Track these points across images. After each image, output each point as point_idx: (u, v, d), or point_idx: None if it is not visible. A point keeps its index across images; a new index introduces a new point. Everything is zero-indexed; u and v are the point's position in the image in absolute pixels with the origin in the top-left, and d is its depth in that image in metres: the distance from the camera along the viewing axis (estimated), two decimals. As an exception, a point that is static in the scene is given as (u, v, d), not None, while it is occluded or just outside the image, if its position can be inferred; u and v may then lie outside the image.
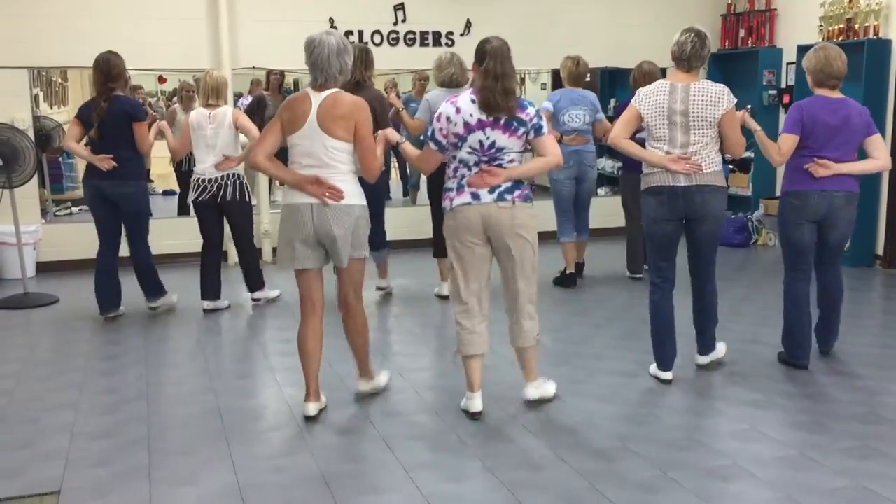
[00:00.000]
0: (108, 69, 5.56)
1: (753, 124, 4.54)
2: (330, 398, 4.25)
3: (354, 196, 3.86)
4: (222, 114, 5.84)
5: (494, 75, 3.71)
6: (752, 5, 8.63)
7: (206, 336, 5.50)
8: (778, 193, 8.22)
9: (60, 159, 9.87)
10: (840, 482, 3.31)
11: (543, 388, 4.17)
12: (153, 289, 5.97)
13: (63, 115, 11.18)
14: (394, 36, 8.04)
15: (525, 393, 4.14)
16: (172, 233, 7.59)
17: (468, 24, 8.15)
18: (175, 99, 11.34)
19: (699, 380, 4.49)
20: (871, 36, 7.18)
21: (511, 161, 3.82)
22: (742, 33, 8.70)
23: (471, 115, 3.75)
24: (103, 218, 5.75)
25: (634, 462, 3.52)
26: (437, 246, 6.05)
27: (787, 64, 8.28)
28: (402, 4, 8.01)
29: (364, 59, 5.75)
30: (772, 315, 5.72)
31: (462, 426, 3.92)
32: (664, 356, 4.41)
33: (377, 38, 7.99)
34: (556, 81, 11.57)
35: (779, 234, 4.73)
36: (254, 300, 6.22)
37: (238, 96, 9.18)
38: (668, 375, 4.41)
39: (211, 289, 6.05)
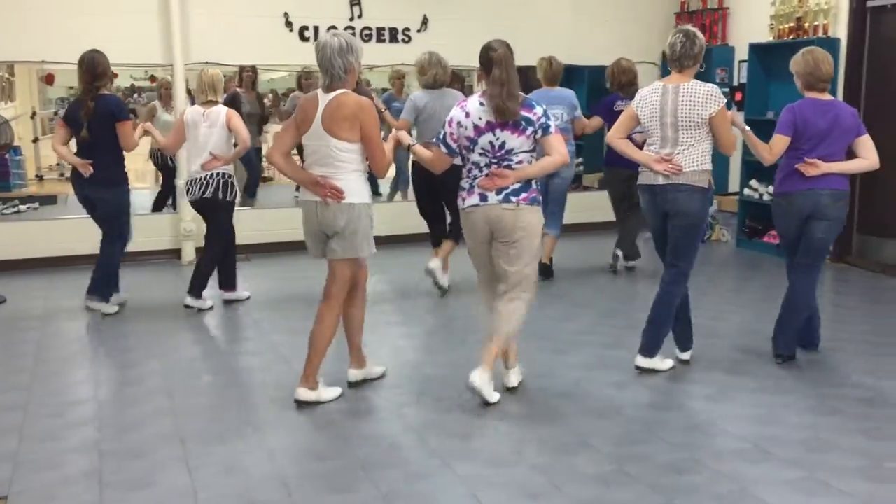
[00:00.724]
0: (93, 67, 5.51)
1: (742, 125, 4.61)
2: (288, 397, 4.20)
3: (356, 194, 3.94)
4: (216, 113, 5.74)
5: (500, 82, 3.83)
6: (705, 4, 8.74)
7: (163, 335, 5.39)
8: (731, 190, 8.41)
9: (8, 156, 9.63)
10: (795, 473, 3.36)
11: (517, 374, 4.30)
12: (99, 289, 5.82)
13: (10, 111, 10.92)
14: (350, 32, 7.95)
15: (507, 380, 4.26)
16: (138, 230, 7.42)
17: (425, 21, 8.12)
18: (137, 97, 11.18)
19: (657, 375, 4.52)
20: (820, 34, 7.31)
21: (520, 162, 3.92)
22: (695, 31, 8.80)
23: (479, 118, 3.89)
24: (93, 215, 5.81)
25: (592, 456, 3.53)
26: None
27: (740, 62, 8.40)
28: (359, 0, 7.95)
29: None
30: (727, 310, 5.81)
31: (421, 423, 3.89)
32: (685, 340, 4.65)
33: (333, 34, 7.90)
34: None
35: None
36: (225, 301, 6.12)
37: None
38: (687, 355, 4.64)
39: (196, 285, 5.96)
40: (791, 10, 7.57)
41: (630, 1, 8.74)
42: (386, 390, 4.32)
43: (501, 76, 3.82)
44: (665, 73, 8.12)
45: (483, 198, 3.93)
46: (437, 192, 5.93)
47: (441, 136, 4.02)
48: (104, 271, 5.82)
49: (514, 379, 4.26)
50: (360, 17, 7.97)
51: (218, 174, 5.73)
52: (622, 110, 6.60)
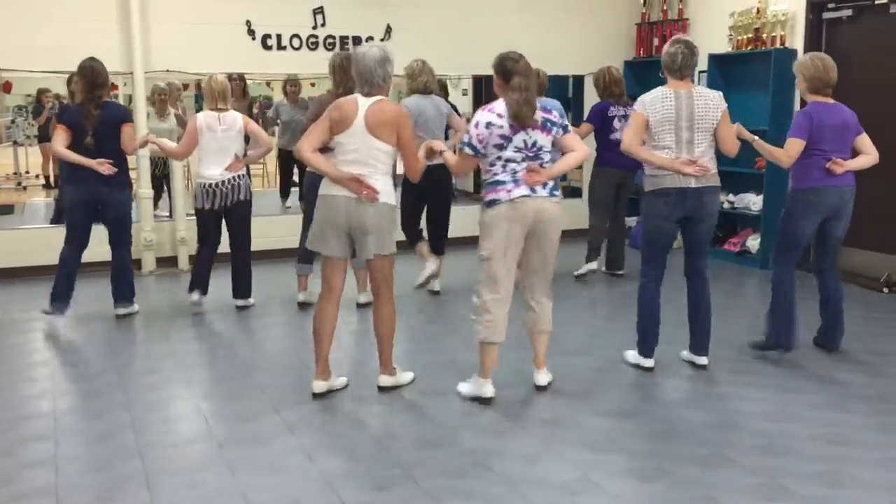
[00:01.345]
0: (93, 76, 5.53)
1: (748, 135, 4.74)
2: (251, 409, 4.17)
3: (387, 195, 4.18)
4: (232, 118, 5.83)
5: (521, 89, 4.04)
6: (666, 15, 8.84)
7: (119, 347, 5.32)
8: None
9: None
10: (754, 479, 3.40)
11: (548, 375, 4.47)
12: (128, 294, 5.90)
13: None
14: (313, 40, 7.94)
15: (536, 379, 4.42)
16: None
17: (388, 30, 8.11)
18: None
19: (617, 382, 4.55)
20: (777, 45, 7.44)
21: (549, 161, 4.20)
22: (656, 42, 8.90)
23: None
24: (83, 222, 5.73)
25: (558, 464, 3.54)
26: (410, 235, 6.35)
27: (700, 72, 8.49)
28: (322, 8, 7.92)
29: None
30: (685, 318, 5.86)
31: (382, 433, 3.87)
32: (650, 345, 4.71)
33: (296, 43, 7.87)
34: (477, 87, 11.74)
35: (781, 227, 4.90)
36: (239, 307, 6.10)
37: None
38: (650, 363, 4.71)
39: (201, 282, 6.00)
40: (749, 21, 7.69)
41: (591, 12, 8.82)
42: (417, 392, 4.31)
43: (521, 83, 4.05)
44: (637, 81, 8.27)
45: (532, 190, 4.14)
46: (426, 198, 6.24)
47: (466, 140, 4.19)
48: (126, 278, 5.87)
49: (545, 378, 4.46)
50: (323, 25, 7.94)
51: (242, 176, 5.89)
52: (615, 116, 6.76)
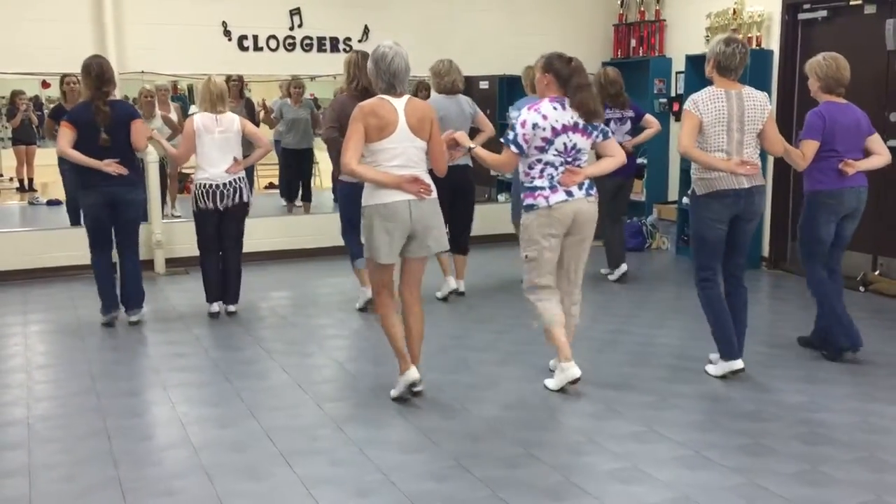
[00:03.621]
0: (101, 73, 5.47)
1: None
2: (229, 414, 4.12)
3: (434, 192, 4.22)
4: (230, 119, 5.82)
5: (589, 87, 4.27)
6: (643, 16, 8.87)
7: (93, 352, 5.24)
8: (671, 199, 8.54)
9: None
10: (734, 480, 3.41)
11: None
12: (139, 300, 5.81)
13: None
14: (290, 41, 7.89)
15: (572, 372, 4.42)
16: (63, 245, 7.23)
17: (366, 31, 8.08)
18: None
19: (596, 383, 4.54)
20: (754, 46, 7.48)
21: (585, 162, 4.35)
22: (633, 43, 8.93)
23: (557, 121, 4.22)
24: (104, 225, 5.64)
25: (537, 468, 3.53)
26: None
27: (677, 73, 8.54)
28: (299, 9, 7.87)
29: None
30: (668, 318, 5.88)
31: (362, 439, 3.84)
32: (732, 345, 4.56)
33: (273, 44, 7.82)
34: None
35: (804, 234, 4.90)
36: (229, 312, 6.03)
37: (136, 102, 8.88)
38: (739, 363, 4.56)
39: (217, 290, 5.98)
40: (726, 22, 7.73)
41: (569, 13, 8.83)
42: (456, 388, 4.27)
43: (589, 82, 4.28)
44: (634, 80, 8.25)
45: (569, 193, 4.26)
46: (455, 196, 6.07)
47: (512, 138, 4.27)
48: (137, 285, 5.77)
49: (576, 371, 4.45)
50: (300, 26, 7.89)
51: (242, 178, 5.86)
52: (610, 119, 6.73)
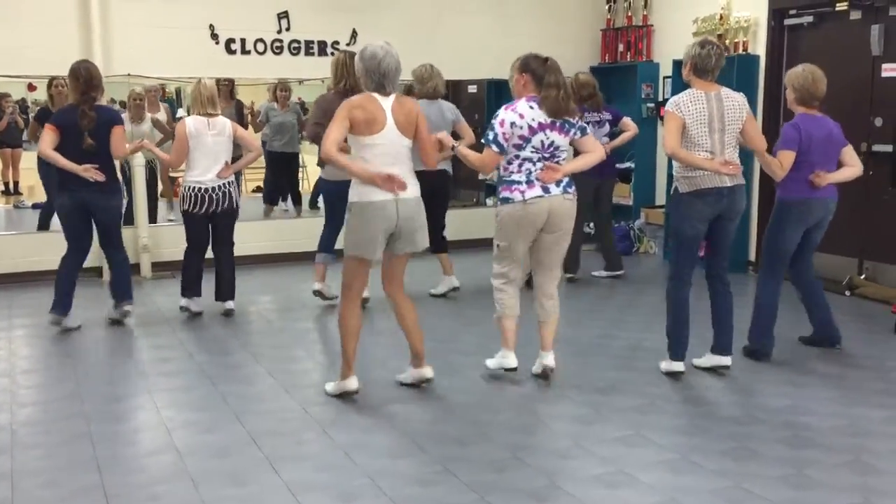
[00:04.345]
0: (88, 78, 5.47)
1: None
2: (214, 419, 4.10)
3: (417, 188, 4.28)
4: (222, 123, 5.83)
5: (557, 85, 4.28)
6: (630, 21, 8.90)
7: (77, 356, 5.21)
8: (658, 203, 8.56)
9: None
10: (719, 483, 3.41)
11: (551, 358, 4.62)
12: (128, 293, 5.80)
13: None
14: (278, 45, 7.87)
15: (545, 361, 4.57)
16: (48, 249, 7.17)
17: (354, 34, 8.06)
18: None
19: (583, 387, 4.55)
20: (740, 51, 7.51)
21: (564, 158, 4.42)
22: (621, 48, 8.95)
23: (533, 119, 4.31)
24: (79, 226, 5.63)
25: (524, 472, 3.52)
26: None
27: (664, 78, 8.57)
28: (286, 13, 7.85)
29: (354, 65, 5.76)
30: (655, 321, 5.87)
31: (349, 444, 3.83)
32: (682, 348, 4.68)
33: (260, 47, 7.80)
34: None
35: (768, 241, 5.00)
36: (227, 310, 6.04)
37: (124, 105, 8.83)
38: (681, 366, 4.67)
39: (195, 287, 6.01)
40: (713, 27, 7.76)
41: (557, 17, 8.84)
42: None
43: (557, 80, 4.29)
44: (602, 86, 8.29)
45: (546, 190, 4.33)
46: (432, 199, 5.96)
47: (492, 138, 4.35)
48: (127, 280, 5.78)
49: (551, 359, 4.60)
50: (287, 29, 7.87)
51: (231, 183, 5.90)
52: (588, 122, 6.75)
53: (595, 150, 4.49)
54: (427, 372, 4.45)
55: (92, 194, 5.49)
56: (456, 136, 6.18)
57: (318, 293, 6.24)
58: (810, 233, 4.94)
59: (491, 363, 4.67)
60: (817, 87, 4.79)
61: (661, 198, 8.52)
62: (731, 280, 4.77)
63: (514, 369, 4.58)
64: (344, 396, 4.33)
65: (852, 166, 4.92)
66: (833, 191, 4.89)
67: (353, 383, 4.31)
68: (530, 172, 4.35)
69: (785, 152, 4.77)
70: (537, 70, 4.35)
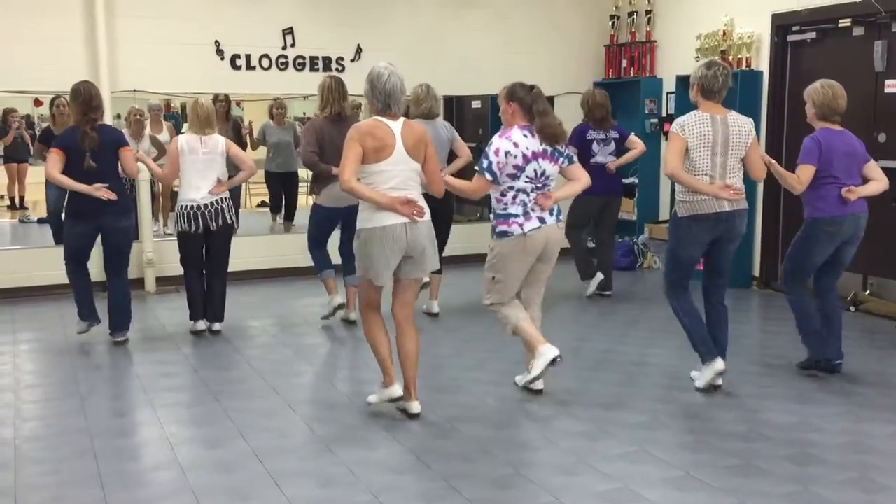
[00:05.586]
0: (89, 99, 5.46)
1: (767, 158, 4.79)
2: (217, 435, 4.09)
3: (428, 213, 4.25)
4: (214, 141, 5.82)
5: (547, 112, 4.36)
6: (634, 37, 8.93)
7: (81, 372, 5.20)
8: (661, 218, 8.56)
9: None
10: (725, 500, 3.39)
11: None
12: (126, 323, 5.77)
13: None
14: (283, 60, 7.91)
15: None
16: (53, 263, 7.18)
17: (359, 50, 8.11)
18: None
19: (587, 403, 4.53)
20: (744, 67, 7.53)
21: (551, 188, 4.45)
22: (625, 63, 8.98)
23: (527, 148, 4.32)
24: (85, 250, 5.65)
25: (528, 489, 3.51)
26: None
27: (668, 93, 8.59)
28: (291, 29, 7.89)
29: (340, 90, 5.84)
30: (659, 336, 5.87)
31: (352, 460, 3.82)
32: (711, 344, 4.64)
33: (265, 63, 7.84)
34: (447, 107, 11.68)
35: (795, 255, 4.94)
36: (213, 331, 6.00)
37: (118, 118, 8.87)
38: (721, 364, 4.62)
39: (201, 308, 5.97)
40: (716, 43, 7.78)
41: (560, 34, 8.88)
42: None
43: (546, 108, 4.37)
44: (625, 101, 8.32)
45: (542, 220, 4.39)
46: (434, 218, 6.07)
47: (486, 166, 4.34)
48: (126, 308, 5.74)
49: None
50: (293, 45, 7.92)
51: (226, 199, 5.86)
52: (594, 139, 6.78)
53: (582, 178, 4.52)
54: (396, 390, 4.31)
55: (108, 218, 5.49)
56: (452, 154, 6.22)
57: (339, 307, 6.21)
58: (841, 250, 4.86)
59: (535, 371, 4.46)
60: (838, 102, 4.76)
61: (664, 213, 8.52)
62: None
63: (560, 357, 4.43)
64: (392, 403, 4.34)
65: (878, 180, 4.84)
66: (863, 205, 4.82)
67: (396, 391, 4.30)
68: (525, 204, 4.37)
69: (804, 166, 4.72)
70: (524, 98, 4.39)
